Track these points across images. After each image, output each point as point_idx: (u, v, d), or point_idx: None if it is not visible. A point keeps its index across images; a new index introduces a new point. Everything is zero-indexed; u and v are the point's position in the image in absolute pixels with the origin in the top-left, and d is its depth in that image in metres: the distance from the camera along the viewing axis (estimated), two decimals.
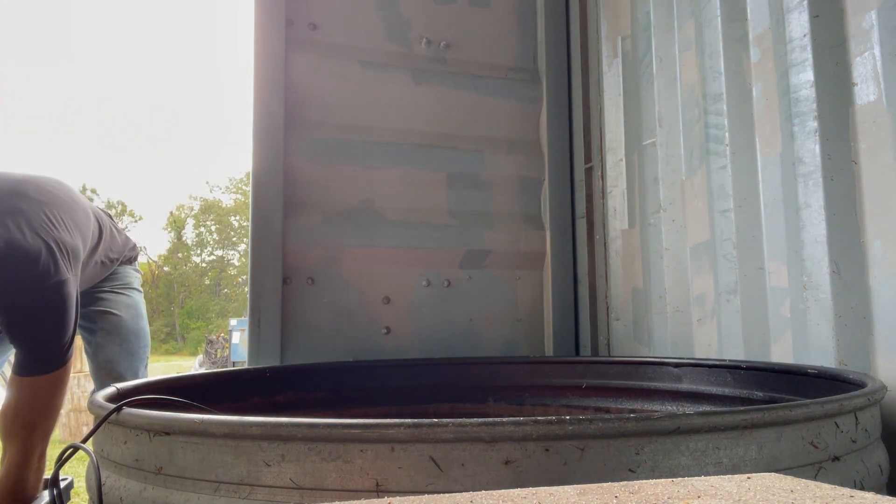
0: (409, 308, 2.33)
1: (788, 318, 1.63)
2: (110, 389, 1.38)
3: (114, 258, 2.09)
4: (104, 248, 2.01)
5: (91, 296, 2.07)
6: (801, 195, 1.59)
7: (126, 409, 1.07)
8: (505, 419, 0.86)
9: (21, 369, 1.59)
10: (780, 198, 1.65)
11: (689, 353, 1.95)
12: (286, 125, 2.22)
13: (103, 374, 2.05)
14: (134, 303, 2.17)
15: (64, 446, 1.10)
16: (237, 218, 43.53)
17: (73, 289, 1.64)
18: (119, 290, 2.14)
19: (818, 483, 0.66)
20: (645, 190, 2.20)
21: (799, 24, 1.59)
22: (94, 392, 1.36)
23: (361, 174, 2.32)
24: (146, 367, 2.18)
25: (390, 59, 2.40)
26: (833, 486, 0.65)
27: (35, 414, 1.62)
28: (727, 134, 1.82)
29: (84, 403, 6.57)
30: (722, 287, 1.83)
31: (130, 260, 2.23)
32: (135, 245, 2.25)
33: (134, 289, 2.20)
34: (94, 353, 2.08)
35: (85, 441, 1.09)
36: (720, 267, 1.84)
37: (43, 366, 1.60)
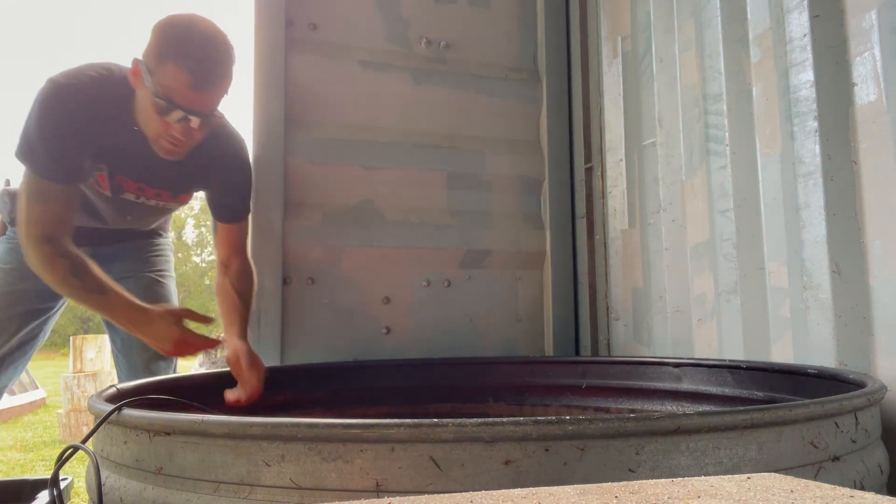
0: (409, 308, 2.33)
1: (788, 318, 1.63)
2: (110, 390, 1.38)
3: None
4: None
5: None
6: (801, 195, 1.58)
7: (126, 409, 1.07)
8: (505, 419, 0.86)
9: (240, 216, 1.94)
10: (780, 198, 1.65)
11: (689, 353, 1.95)
12: (286, 125, 2.22)
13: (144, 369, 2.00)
14: None
15: (64, 446, 1.10)
16: None
17: None
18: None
19: (818, 483, 0.66)
20: (645, 190, 2.20)
21: (799, 24, 1.59)
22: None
23: (361, 174, 2.31)
24: None
25: (390, 59, 2.39)
26: (833, 486, 0.65)
27: None
28: (727, 134, 1.82)
29: (84, 403, 6.56)
30: (722, 287, 1.83)
31: None
32: None
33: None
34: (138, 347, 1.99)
35: (85, 441, 1.09)
36: (720, 267, 1.84)
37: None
